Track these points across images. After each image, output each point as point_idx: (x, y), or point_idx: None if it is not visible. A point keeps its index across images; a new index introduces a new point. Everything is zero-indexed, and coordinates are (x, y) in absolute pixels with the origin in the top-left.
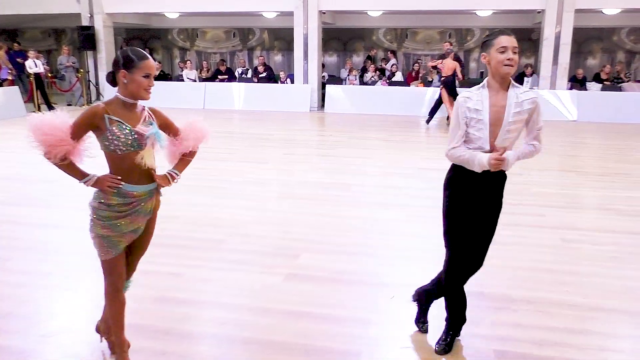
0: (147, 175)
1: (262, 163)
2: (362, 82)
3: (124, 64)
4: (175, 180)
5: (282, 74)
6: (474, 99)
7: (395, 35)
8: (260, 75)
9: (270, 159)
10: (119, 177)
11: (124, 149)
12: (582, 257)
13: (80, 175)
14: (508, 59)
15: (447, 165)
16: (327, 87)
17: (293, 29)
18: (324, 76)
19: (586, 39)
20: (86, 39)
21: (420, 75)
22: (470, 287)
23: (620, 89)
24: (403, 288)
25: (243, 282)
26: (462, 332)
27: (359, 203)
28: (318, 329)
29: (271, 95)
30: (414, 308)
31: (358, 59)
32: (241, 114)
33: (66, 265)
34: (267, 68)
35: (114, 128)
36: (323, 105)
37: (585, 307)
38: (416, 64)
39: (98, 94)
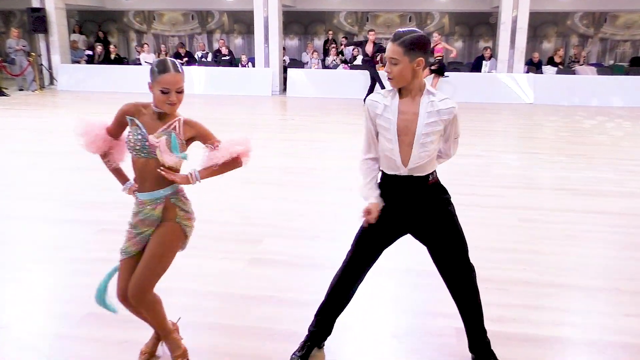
0: (157, 183)
1: None
2: (323, 66)
3: (150, 73)
4: (193, 181)
5: (243, 58)
6: (385, 108)
7: (356, 18)
8: (223, 59)
9: None
10: (136, 185)
11: (134, 152)
12: (539, 235)
13: (122, 182)
14: (387, 72)
15: None
16: (289, 70)
17: (253, 11)
18: (285, 60)
19: (542, 23)
20: (37, 21)
21: (382, 58)
22: (433, 266)
23: (574, 72)
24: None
25: (205, 268)
26: (424, 310)
27: (322, 187)
28: (282, 313)
29: (232, 79)
30: (374, 290)
31: (319, 42)
32: (202, 98)
33: (17, 256)
34: (230, 52)
35: (131, 129)
36: (285, 89)
37: (541, 283)
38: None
39: (52, 79)
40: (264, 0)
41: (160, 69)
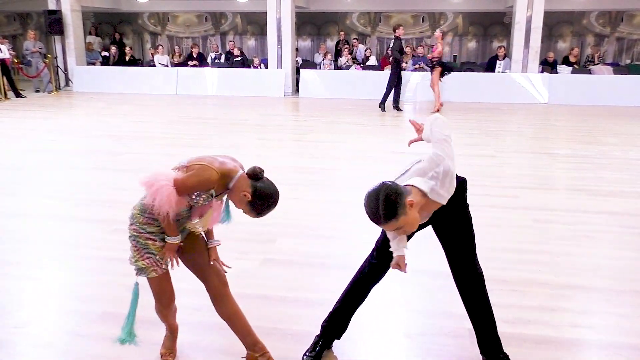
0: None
1: (236, 148)
2: (336, 67)
3: (252, 200)
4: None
5: (255, 59)
6: None
7: (369, 19)
8: (235, 60)
9: (244, 144)
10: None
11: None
12: (554, 236)
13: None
14: None
15: (422, 149)
16: (301, 71)
17: (266, 13)
18: (297, 61)
19: (557, 23)
20: (53, 23)
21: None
22: (446, 267)
23: (589, 72)
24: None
25: None
26: (437, 311)
27: (334, 187)
28: (295, 313)
29: (245, 81)
30: (388, 290)
31: (332, 44)
32: (214, 99)
33: (33, 254)
34: (242, 53)
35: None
36: (297, 90)
37: (557, 285)
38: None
39: (67, 80)
40: (277, 2)
41: (268, 205)
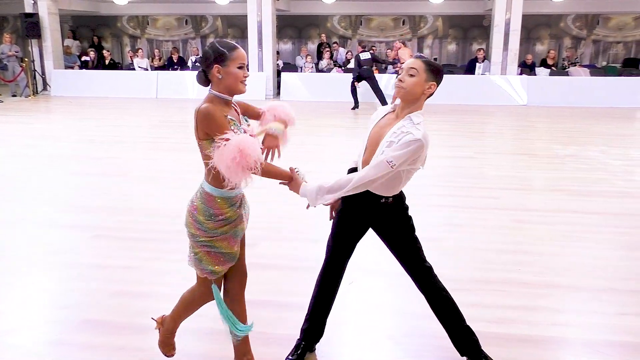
0: None
1: None
2: (317, 70)
3: (215, 58)
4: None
5: None
6: (377, 114)
7: (350, 22)
8: None
9: None
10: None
11: None
12: (534, 236)
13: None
14: (398, 80)
15: None
16: (283, 74)
17: (247, 16)
18: (278, 64)
19: (535, 25)
20: (30, 26)
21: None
22: None
23: (567, 74)
24: (361, 273)
25: None
26: (420, 313)
27: None
28: (279, 317)
29: None
30: (371, 292)
31: (313, 46)
32: (195, 103)
33: (13, 261)
34: None
35: (232, 128)
36: (279, 93)
37: (537, 284)
38: (371, 51)
39: (45, 84)
40: (258, 5)
41: (229, 47)
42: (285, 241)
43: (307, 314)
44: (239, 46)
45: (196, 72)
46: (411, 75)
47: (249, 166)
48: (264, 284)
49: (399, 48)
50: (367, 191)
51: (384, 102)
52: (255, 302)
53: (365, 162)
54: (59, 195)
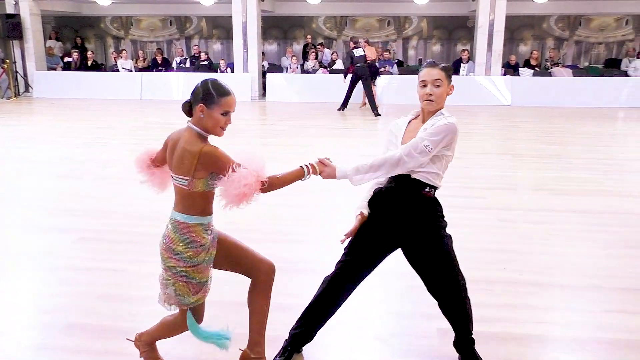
0: None
1: None
2: (302, 70)
3: (203, 97)
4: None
5: (222, 63)
6: (399, 124)
7: (335, 23)
8: (201, 64)
9: None
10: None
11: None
12: (519, 235)
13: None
14: (427, 94)
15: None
16: (268, 75)
17: (231, 16)
18: (264, 65)
19: (518, 26)
20: (12, 27)
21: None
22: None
23: (550, 74)
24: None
25: None
26: (407, 312)
27: (305, 191)
28: (270, 318)
29: None
30: (360, 292)
31: (299, 47)
32: (180, 104)
33: None
34: (208, 57)
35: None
36: (264, 94)
37: (522, 282)
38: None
39: (27, 86)
40: (243, 6)
41: (220, 91)
42: (272, 243)
43: (300, 319)
44: (232, 92)
45: (180, 73)
46: (437, 86)
47: (253, 197)
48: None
49: (364, 47)
50: (409, 179)
51: (375, 110)
52: (244, 304)
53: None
54: (42, 198)
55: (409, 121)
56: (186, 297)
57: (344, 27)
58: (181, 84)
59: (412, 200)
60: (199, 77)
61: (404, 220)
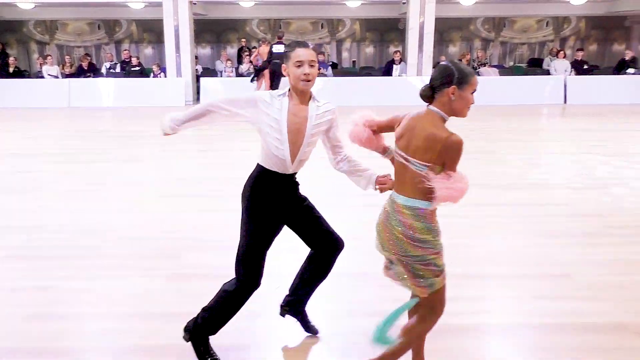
0: None
1: (138, 161)
2: (237, 74)
3: (457, 79)
4: None
5: (154, 68)
6: (275, 106)
7: (269, 25)
8: (132, 69)
9: (147, 156)
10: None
11: None
12: (451, 229)
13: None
14: (305, 74)
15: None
16: (202, 79)
17: (163, 20)
18: (197, 69)
19: (447, 28)
20: None
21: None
22: (352, 268)
23: (478, 74)
24: (287, 278)
25: (122, 288)
26: (350, 311)
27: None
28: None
29: (143, 90)
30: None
31: (233, 51)
32: (111, 111)
33: None
34: (139, 62)
35: None
36: (198, 99)
37: (456, 275)
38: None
39: None
40: (174, 9)
41: (470, 72)
42: (209, 251)
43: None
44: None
45: (110, 79)
46: (312, 67)
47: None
48: (189, 296)
49: (260, 47)
50: (290, 175)
51: None
52: (182, 315)
53: (293, 153)
54: None
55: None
56: (431, 278)
57: (278, 30)
58: (111, 90)
59: (293, 186)
60: (130, 83)
61: (287, 202)
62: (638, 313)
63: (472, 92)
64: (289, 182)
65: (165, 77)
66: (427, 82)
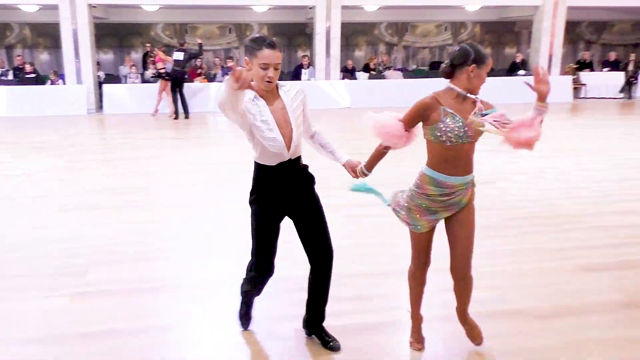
0: (466, 168)
1: (39, 173)
2: (143, 80)
3: (475, 59)
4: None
5: (52, 75)
6: (254, 112)
7: (175, 30)
8: (26, 76)
9: (49, 168)
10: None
11: (454, 140)
12: (364, 229)
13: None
14: (269, 77)
15: (241, 158)
16: (105, 86)
17: (59, 24)
18: (99, 75)
19: (353, 33)
20: None
21: (204, 71)
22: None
23: (383, 77)
24: (204, 290)
25: (23, 311)
26: (269, 315)
27: (153, 205)
28: (116, 345)
29: (40, 99)
30: (212, 307)
31: (137, 56)
32: (4, 121)
33: None
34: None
35: (447, 120)
36: (101, 106)
37: (370, 274)
38: (198, 60)
39: None
40: (72, 12)
41: (487, 53)
42: (120, 264)
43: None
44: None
45: (1, 87)
46: (277, 69)
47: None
48: (99, 313)
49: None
50: (291, 161)
51: (187, 114)
52: (90, 334)
53: (286, 140)
54: None
55: (265, 105)
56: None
57: (184, 34)
58: (4, 97)
59: (297, 173)
60: (24, 91)
61: (292, 192)
62: (536, 297)
63: (487, 73)
64: (293, 168)
65: (65, 84)
66: (335, 86)
